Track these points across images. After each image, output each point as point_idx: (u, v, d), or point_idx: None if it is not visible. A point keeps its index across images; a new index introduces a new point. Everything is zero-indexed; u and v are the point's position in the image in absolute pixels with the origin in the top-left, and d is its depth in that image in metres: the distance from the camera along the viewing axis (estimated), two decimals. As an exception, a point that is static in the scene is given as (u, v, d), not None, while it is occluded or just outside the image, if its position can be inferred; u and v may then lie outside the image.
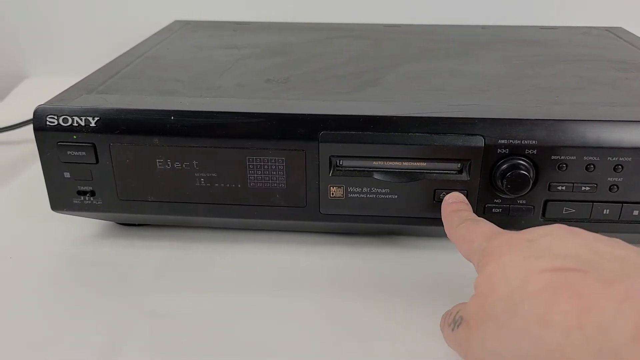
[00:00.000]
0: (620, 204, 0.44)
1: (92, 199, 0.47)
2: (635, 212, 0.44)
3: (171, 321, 0.41)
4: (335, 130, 0.43)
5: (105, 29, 0.91)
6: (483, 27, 0.72)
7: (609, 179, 0.43)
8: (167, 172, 0.45)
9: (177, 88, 0.49)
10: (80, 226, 0.52)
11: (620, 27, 0.71)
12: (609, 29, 0.70)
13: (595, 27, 0.71)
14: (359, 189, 0.45)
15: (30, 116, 0.69)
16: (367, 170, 0.44)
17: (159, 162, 0.45)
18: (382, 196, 0.45)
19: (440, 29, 0.71)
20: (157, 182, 0.46)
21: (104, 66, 0.55)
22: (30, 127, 0.69)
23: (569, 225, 0.45)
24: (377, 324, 0.40)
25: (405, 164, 0.44)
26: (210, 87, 0.50)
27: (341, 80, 0.51)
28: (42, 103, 0.45)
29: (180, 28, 0.72)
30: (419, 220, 0.46)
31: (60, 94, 0.48)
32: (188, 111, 0.44)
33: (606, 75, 0.53)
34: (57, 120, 0.44)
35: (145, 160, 0.45)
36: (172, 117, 0.44)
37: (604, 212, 0.44)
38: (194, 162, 0.45)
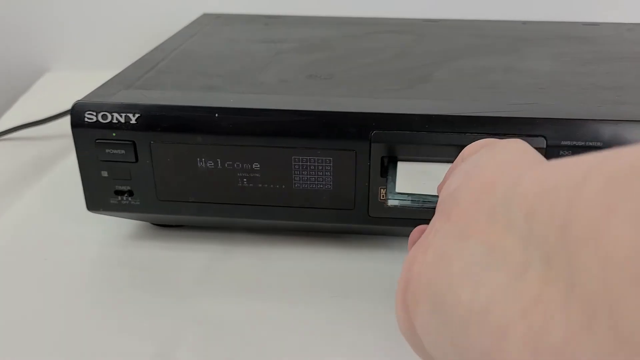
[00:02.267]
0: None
1: (130, 199, 0.45)
2: None
3: (220, 328, 0.39)
4: (388, 130, 0.41)
5: (127, 23, 0.89)
6: (524, 22, 0.69)
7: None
8: (208, 171, 0.43)
9: (217, 84, 0.47)
10: (116, 227, 0.50)
11: (667, 24, 0.68)
12: (654, 25, 0.67)
13: (638, 24, 0.68)
14: (411, 192, 0.43)
15: (54, 111, 0.68)
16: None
17: (200, 161, 0.43)
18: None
19: (481, 24, 0.68)
20: (198, 182, 0.44)
21: (137, 61, 0.53)
22: (58, 122, 0.68)
23: None
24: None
25: (461, 165, 0.42)
26: (253, 83, 0.48)
27: (389, 77, 0.49)
28: (80, 98, 0.43)
29: (211, 22, 0.69)
30: (473, 225, 0.43)
31: (96, 89, 0.46)
32: (233, 108, 0.42)
33: (665, 73, 0.50)
34: (96, 116, 0.42)
35: (186, 159, 0.43)
36: (217, 114, 0.42)
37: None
38: (237, 162, 0.43)
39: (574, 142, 0.40)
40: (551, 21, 0.70)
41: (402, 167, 0.41)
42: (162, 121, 0.42)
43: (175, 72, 0.50)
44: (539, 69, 0.51)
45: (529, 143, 0.40)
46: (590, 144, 0.40)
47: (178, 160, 0.43)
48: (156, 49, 0.57)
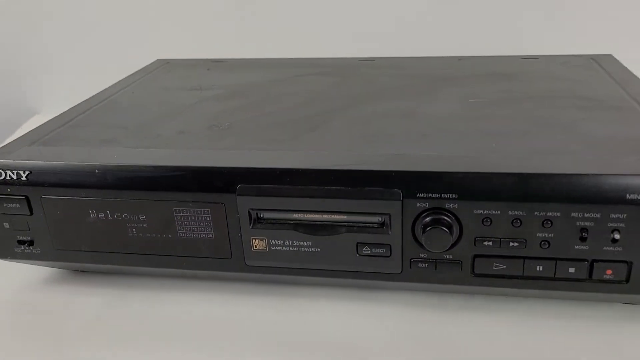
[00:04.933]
0: (554, 261, 0.41)
1: (31, 248, 0.48)
2: (572, 270, 0.41)
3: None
4: (252, 184, 0.43)
5: (113, 66, 0.94)
6: (460, 58, 0.69)
7: (538, 234, 0.40)
8: (99, 222, 0.46)
9: (117, 137, 0.50)
10: (32, 271, 0.53)
11: (610, 55, 0.66)
12: (594, 57, 0.66)
13: (580, 56, 0.67)
14: (281, 242, 0.44)
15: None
16: (288, 223, 0.43)
17: (92, 212, 0.46)
18: (305, 249, 0.44)
19: (414, 62, 0.69)
20: (90, 232, 0.47)
21: (61, 114, 0.57)
22: None
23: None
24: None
25: (325, 217, 0.43)
26: (150, 136, 0.50)
27: (281, 127, 0.50)
28: (-18, 157, 0.47)
29: (158, 68, 0.73)
30: (342, 274, 0.44)
31: (6, 145, 0.50)
32: (111, 165, 0.45)
33: (564, 115, 0.50)
34: (-7, 173, 0.46)
35: (76, 211, 0.46)
36: (97, 171, 0.45)
37: (538, 269, 0.41)
38: (124, 213, 0.46)
39: (430, 195, 0.40)
40: (488, 55, 0.70)
41: None
42: (49, 178, 0.45)
43: (86, 126, 0.53)
44: (436, 113, 0.51)
45: (385, 196, 0.41)
46: (446, 195, 0.40)
47: (69, 212, 0.46)
48: (87, 100, 0.61)
